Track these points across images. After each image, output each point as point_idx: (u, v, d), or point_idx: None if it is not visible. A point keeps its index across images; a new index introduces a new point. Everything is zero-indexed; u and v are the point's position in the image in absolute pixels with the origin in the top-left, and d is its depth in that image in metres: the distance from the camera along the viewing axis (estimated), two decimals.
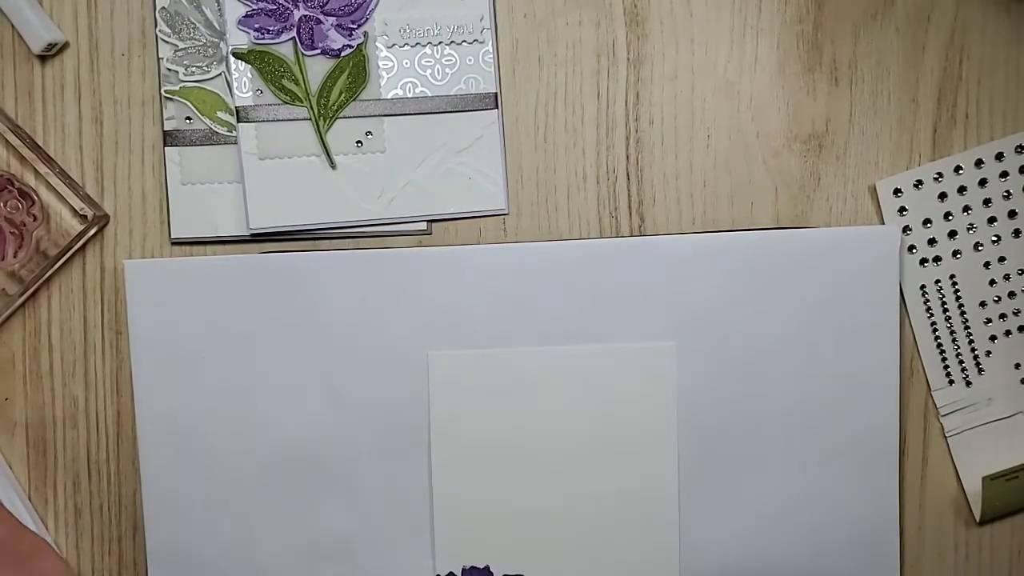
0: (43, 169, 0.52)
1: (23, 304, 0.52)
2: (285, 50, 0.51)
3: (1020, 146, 0.53)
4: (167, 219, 0.52)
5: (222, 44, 0.51)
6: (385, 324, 0.52)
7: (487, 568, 0.52)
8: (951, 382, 0.54)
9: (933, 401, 0.54)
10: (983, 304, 0.53)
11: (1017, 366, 0.54)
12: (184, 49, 0.51)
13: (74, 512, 0.53)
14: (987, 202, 0.53)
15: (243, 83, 0.51)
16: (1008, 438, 0.54)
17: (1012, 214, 0.53)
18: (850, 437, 0.52)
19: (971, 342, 0.53)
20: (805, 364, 0.52)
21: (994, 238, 0.53)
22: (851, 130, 0.53)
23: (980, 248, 0.53)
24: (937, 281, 0.53)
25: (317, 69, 0.51)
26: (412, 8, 0.52)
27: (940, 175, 0.53)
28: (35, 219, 0.52)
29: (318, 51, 0.51)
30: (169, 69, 0.52)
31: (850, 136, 0.53)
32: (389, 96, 0.52)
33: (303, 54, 0.51)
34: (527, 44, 0.52)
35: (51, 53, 0.52)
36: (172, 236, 0.52)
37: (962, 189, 0.53)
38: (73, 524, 0.53)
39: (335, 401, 0.52)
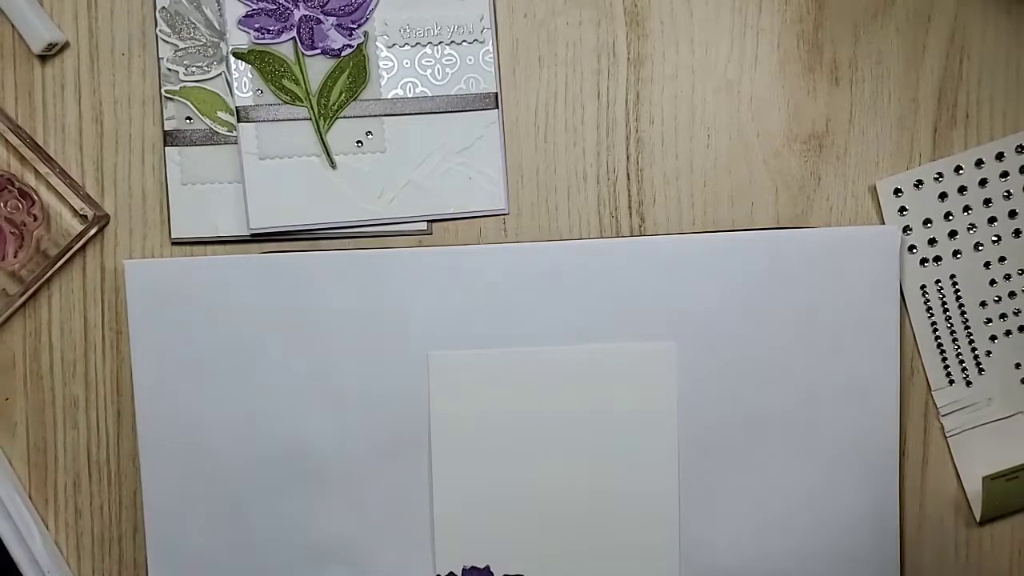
0: (43, 169, 0.52)
1: (23, 304, 0.52)
2: (285, 50, 0.51)
3: (1020, 146, 0.53)
4: (167, 219, 0.52)
5: (222, 44, 0.51)
6: (385, 324, 0.52)
7: (487, 568, 0.52)
8: (951, 382, 0.54)
9: (933, 401, 0.54)
10: (983, 304, 0.53)
11: (1017, 366, 0.54)
12: (184, 49, 0.52)
13: (74, 512, 0.53)
14: (987, 202, 0.53)
15: (243, 83, 0.51)
16: (1008, 438, 0.54)
17: (1012, 214, 0.53)
18: (850, 437, 0.52)
19: (971, 342, 0.53)
20: (805, 364, 0.52)
21: (994, 238, 0.53)
22: (851, 130, 0.53)
23: (980, 248, 0.53)
24: (937, 281, 0.53)
25: (317, 69, 0.51)
26: (412, 8, 0.52)
27: (940, 175, 0.53)
28: (35, 219, 0.52)
29: (318, 51, 0.51)
30: (169, 69, 0.52)
31: (850, 136, 0.53)
32: (389, 96, 0.52)
33: (303, 54, 0.51)
34: (527, 44, 0.52)
35: (51, 53, 0.52)
36: (172, 236, 0.52)
37: (962, 189, 0.53)
38: (73, 524, 0.53)
39: (335, 401, 0.52)
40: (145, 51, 0.52)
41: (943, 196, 0.53)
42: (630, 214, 0.53)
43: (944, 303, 0.53)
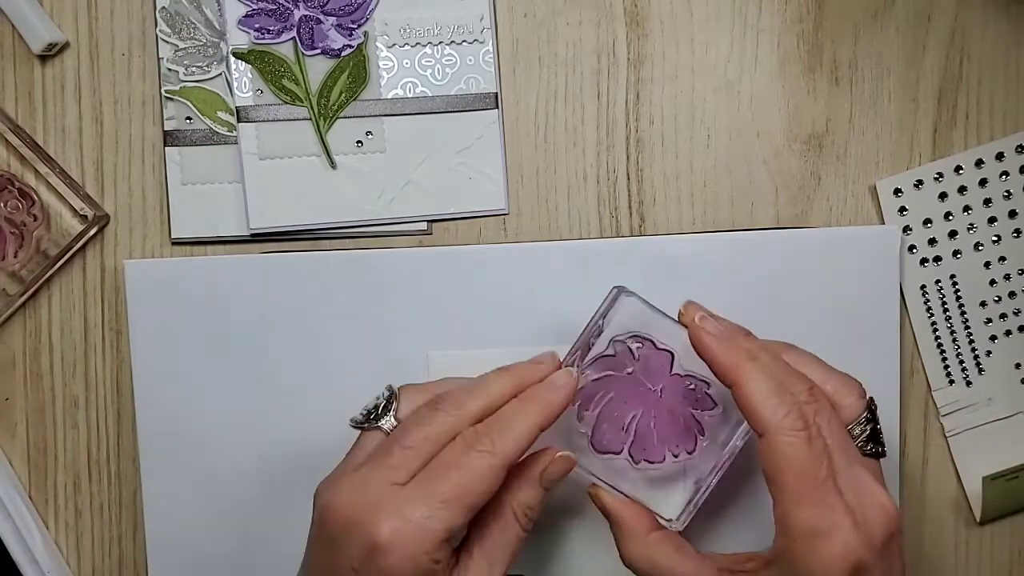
0: (43, 169, 0.52)
1: (23, 304, 0.52)
2: (285, 50, 0.51)
3: (1020, 146, 0.53)
4: (167, 219, 0.52)
5: (222, 44, 0.51)
6: (385, 324, 0.52)
7: None
8: (951, 382, 0.54)
9: (933, 401, 0.54)
10: (983, 304, 0.53)
11: (1017, 366, 0.54)
12: (184, 49, 0.52)
13: (74, 512, 0.53)
14: (987, 202, 0.53)
15: (243, 83, 0.51)
16: (1008, 438, 0.54)
17: (1012, 214, 0.53)
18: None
19: (971, 342, 0.53)
20: None
21: (994, 238, 0.53)
22: (851, 130, 0.53)
23: (980, 248, 0.53)
24: (937, 281, 0.53)
25: (317, 69, 0.51)
26: (412, 8, 0.52)
27: (940, 175, 0.53)
28: (35, 219, 0.52)
29: (318, 51, 0.51)
30: (169, 69, 0.52)
31: (850, 136, 0.53)
32: (389, 96, 0.52)
33: (303, 54, 0.51)
34: (527, 44, 0.52)
35: (51, 53, 0.52)
36: (172, 236, 0.52)
37: (962, 189, 0.53)
38: (73, 524, 0.53)
39: (335, 401, 0.52)
40: (145, 51, 0.52)
41: (943, 196, 0.53)
42: (630, 214, 0.53)
43: (944, 303, 0.53)
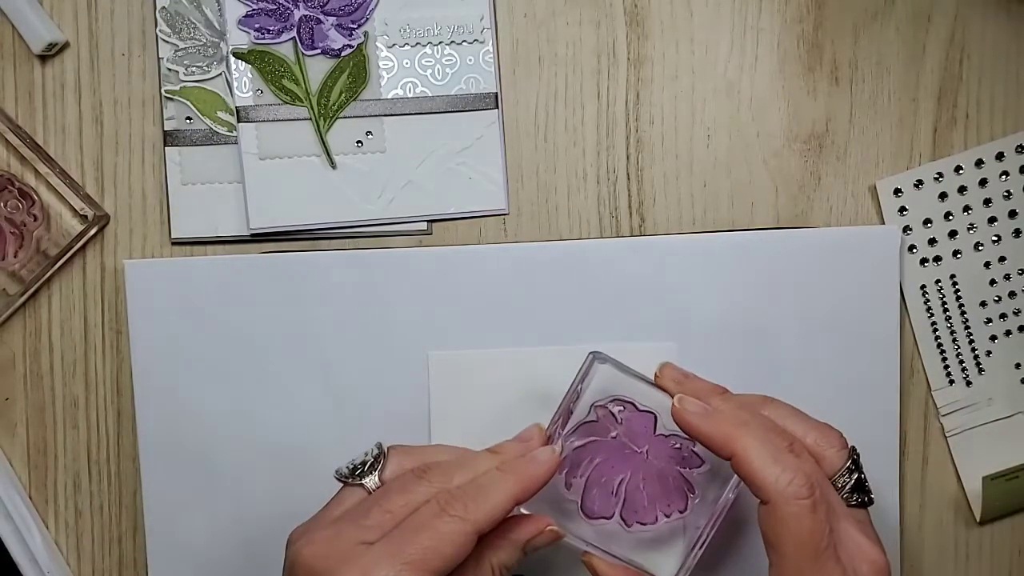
0: (43, 169, 0.52)
1: (23, 304, 0.52)
2: (285, 50, 0.51)
3: (1020, 146, 0.53)
4: (167, 219, 0.52)
5: (222, 44, 0.51)
6: (385, 324, 0.52)
7: None
8: (951, 382, 0.54)
9: (933, 401, 0.54)
10: (983, 304, 0.53)
11: (1017, 366, 0.54)
12: (184, 49, 0.52)
13: (74, 512, 0.53)
14: (987, 202, 0.53)
15: (243, 83, 0.51)
16: (1008, 438, 0.54)
17: (1012, 214, 0.53)
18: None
19: (971, 342, 0.53)
20: (805, 364, 0.52)
21: (994, 238, 0.53)
22: (851, 130, 0.53)
23: (980, 248, 0.53)
24: (937, 281, 0.53)
25: (317, 69, 0.51)
26: (412, 8, 0.52)
27: (940, 175, 0.53)
28: (35, 219, 0.52)
29: (318, 51, 0.51)
30: (169, 69, 0.52)
31: (850, 136, 0.53)
32: (389, 96, 0.52)
33: (303, 54, 0.51)
34: (527, 44, 0.52)
35: (51, 53, 0.52)
36: (172, 236, 0.52)
37: (962, 189, 0.53)
38: (73, 524, 0.53)
39: (335, 401, 0.52)
40: (145, 51, 0.52)
41: (943, 196, 0.53)
42: (630, 214, 0.53)
43: (944, 303, 0.53)
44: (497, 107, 0.52)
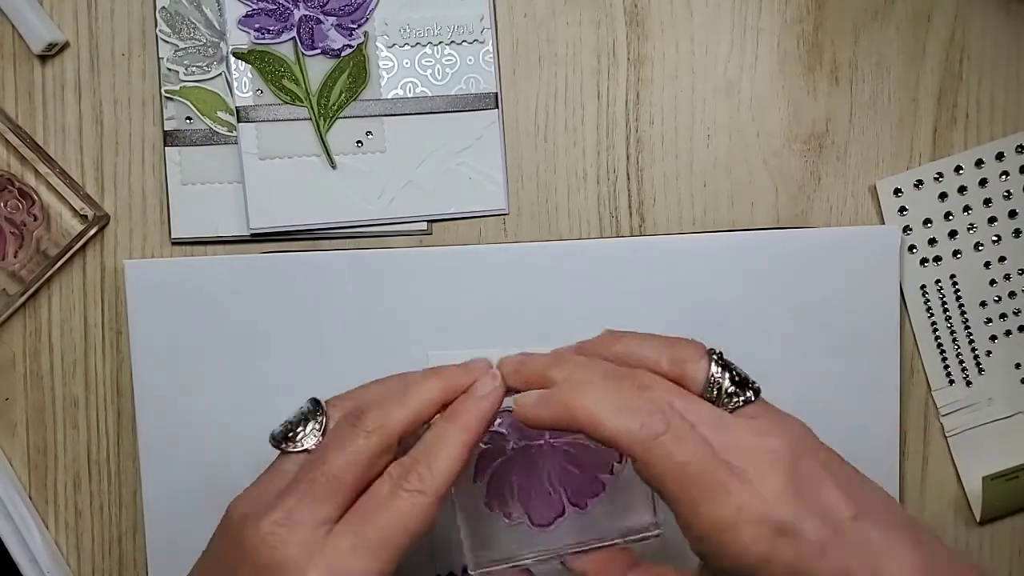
0: (43, 169, 0.52)
1: (23, 304, 0.52)
2: (285, 50, 0.51)
3: (1020, 146, 0.53)
4: (167, 219, 0.52)
5: (222, 44, 0.51)
6: (385, 324, 0.52)
7: None
8: (951, 382, 0.54)
9: (933, 401, 0.54)
10: (983, 304, 0.53)
11: (1017, 366, 0.54)
12: (184, 49, 0.52)
13: (74, 512, 0.53)
14: (987, 202, 0.53)
15: (243, 83, 0.51)
16: (1008, 438, 0.54)
17: (1012, 214, 0.53)
18: (850, 437, 0.52)
19: (971, 342, 0.53)
20: (805, 364, 0.52)
21: (994, 238, 0.53)
22: (851, 130, 0.53)
23: (980, 248, 0.53)
24: (937, 281, 0.53)
25: (317, 69, 0.51)
26: (412, 8, 0.52)
27: (940, 175, 0.53)
28: (35, 219, 0.52)
29: (318, 51, 0.51)
30: (169, 69, 0.52)
31: (850, 136, 0.53)
32: (389, 96, 0.52)
33: (303, 54, 0.51)
34: (527, 44, 0.52)
35: (51, 53, 0.52)
36: (172, 236, 0.52)
37: (962, 189, 0.53)
38: (73, 524, 0.53)
39: None
40: (145, 51, 0.52)
41: (943, 196, 0.53)
42: (630, 214, 0.53)
43: (944, 303, 0.53)
44: (497, 107, 0.52)
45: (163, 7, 0.51)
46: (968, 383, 0.54)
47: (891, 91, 0.53)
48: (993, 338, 0.54)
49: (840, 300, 0.52)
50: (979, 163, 0.53)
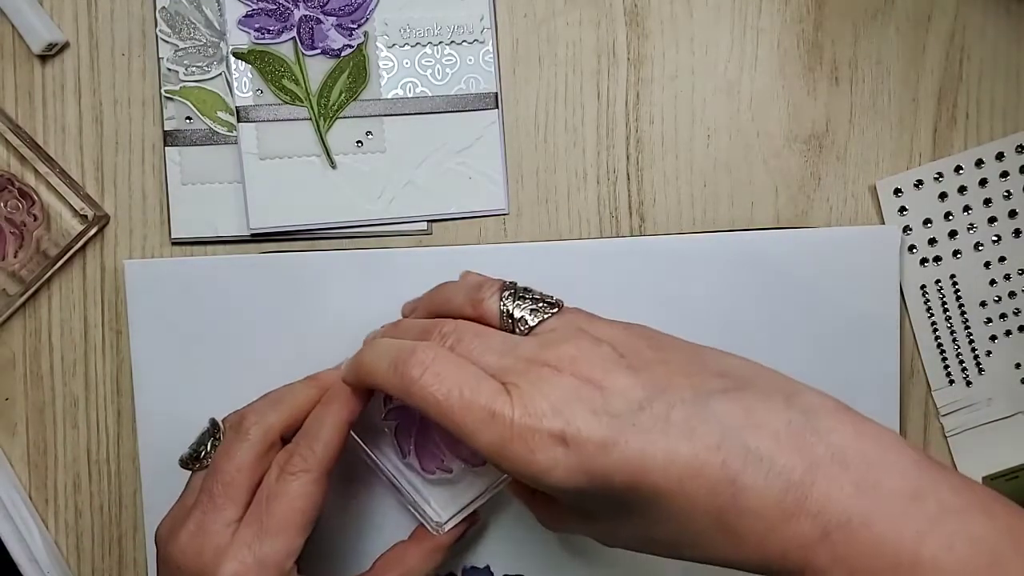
0: (43, 169, 0.52)
1: (23, 304, 0.52)
2: (285, 50, 0.51)
3: (1020, 146, 0.53)
4: (167, 219, 0.52)
5: (222, 44, 0.51)
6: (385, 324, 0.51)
7: (487, 568, 0.52)
8: (951, 382, 0.54)
9: (933, 401, 0.54)
10: (983, 304, 0.53)
11: (1017, 366, 0.54)
12: (184, 49, 0.52)
13: (74, 512, 0.53)
14: (987, 202, 0.53)
15: (243, 83, 0.51)
16: (1008, 438, 0.54)
17: (1012, 214, 0.53)
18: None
19: (971, 342, 0.53)
20: (805, 364, 0.52)
21: (994, 238, 0.53)
22: (851, 130, 0.53)
23: (980, 248, 0.53)
24: (937, 281, 0.53)
25: (317, 69, 0.51)
26: (412, 8, 0.52)
27: (940, 175, 0.53)
28: (35, 219, 0.52)
29: (318, 51, 0.51)
30: (169, 69, 0.52)
31: (850, 136, 0.53)
32: (389, 96, 0.52)
33: (303, 54, 0.51)
34: (527, 44, 0.52)
35: (51, 53, 0.52)
36: (172, 236, 0.52)
37: (962, 189, 0.53)
38: (73, 524, 0.53)
39: None
40: (145, 51, 0.52)
41: (943, 196, 0.53)
42: (630, 214, 0.53)
43: (944, 303, 0.53)
44: (497, 107, 0.52)
45: (163, 7, 0.51)
46: (968, 383, 0.54)
47: (891, 91, 0.53)
48: (993, 338, 0.54)
49: (840, 300, 0.52)
50: (979, 163, 0.53)
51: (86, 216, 0.52)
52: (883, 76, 0.53)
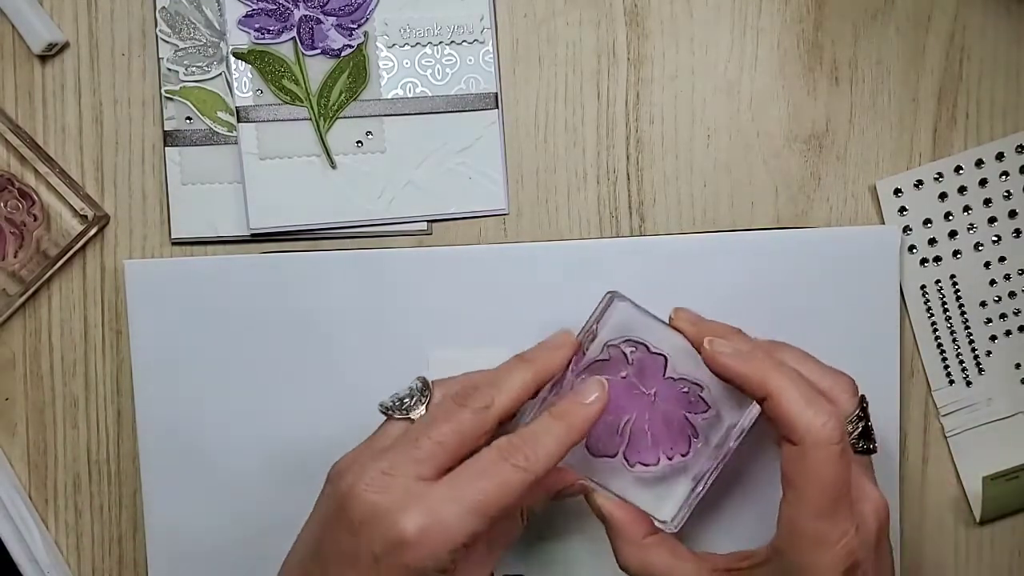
0: (43, 169, 0.52)
1: (23, 304, 0.52)
2: (285, 50, 0.51)
3: (1020, 146, 0.53)
4: (167, 219, 0.52)
5: (222, 44, 0.51)
6: (385, 324, 0.52)
7: None
8: (951, 382, 0.54)
9: (933, 401, 0.54)
10: (983, 304, 0.53)
11: (1017, 366, 0.54)
12: (184, 49, 0.52)
13: (74, 512, 0.53)
14: (987, 202, 0.53)
15: (243, 83, 0.51)
16: (1008, 438, 0.54)
17: (1012, 214, 0.53)
18: None
19: (971, 342, 0.53)
20: None
21: (994, 238, 0.53)
22: (851, 130, 0.53)
23: (980, 248, 0.53)
24: (937, 281, 0.53)
25: (317, 69, 0.51)
26: (412, 8, 0.52)
27: (940, 175, 0.53)
28: (35, 219, 0.52)
29: (318, 51, 0.51)
30: (169, 69, 0.52)
31: (850, 136, 0.53)
32: (389, 96, 0.52)
33: (303, 54, 0.51)
34: (527, 44, 0.52)
35: (51, 53, 0.52)
36: (172, 236, 0.52)
37: (962, 189, 0.53)
38: (73, 524, 0.53)
39: (335, 401, 0.52)
40: (145, 51, 0.52)
41: (943, 196, 0.53)
42: (630, 214, 0.53)
43: (944, 303, 0.53)
44: (497, 107, 0.52)
45: (163, 7, 0.51)
46: (968, 383, 0.54)
47: (891, 91, 0.53)
48: (993, 338, 0.54)
49: (840, 300, 0.52)
50: (979, 163, 0.53)
51: (86, 216, 0.52)
52: (883, 76, 0.53)
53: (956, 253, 0.53)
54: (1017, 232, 0.53)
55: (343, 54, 0.51)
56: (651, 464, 0.47)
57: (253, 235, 0.52)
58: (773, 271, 0.51)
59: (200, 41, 0.52)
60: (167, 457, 0.52)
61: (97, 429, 0.53)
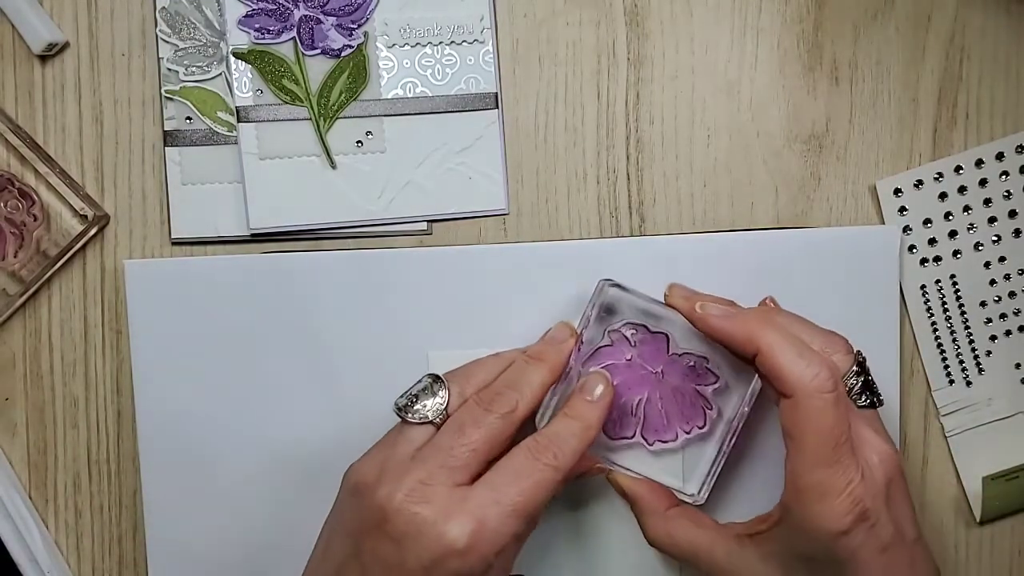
0: (43, 169, 0.52)
1: (23, 304, 0.52)
2: (285, 50, 0.51)
3: (1020, 146, 0.53)
4: (167, 219, 0.52)
5: (222, 44, 0.51)
6: (385, 324, 0.52)
7: None
8: (951, 382, 0.54)
9: (933, 401, 0.54)
10: (983, 304, 0.53)
11: (1017, 366, 0.54)
12: (184, 49, 0.52)
13: (74, 512, 0.53)
14: (987, 202, 0.53)
15: (243, 83, 0.51)
16: (1008, 438, 0.54)
17: (1012, 214, 0.53)
18: None
19: (971, 342, 0.53)
20: None
21: (994, 238, 0.53)
22: (851, 130, 0.53)
23: (980, 248, 0.53)
24: (937, 281, 0.53)
25: (317, 69, 0.51)
26: (412, 8, 0.52)
27: (940, 175, 0.53)
28: (35, 219, 0.52)
29: (318, 51, 0.51)
30: (169, 69, 0.52)
31: (850, 136, 0.53)
32: (389, 96, 0.52)
33: (303, 54, 0.51)
34: (527, 44, 0.52)
35: (51, 53, 0.52)
36: (172, 236, 0.52)
37: (962, 189, 0.53)
38: (73, 524, 0.53)
39: (335, 401, 0.52)
40: (145, 51, 0.52)
41: (943, 196, 0.53)
42: (630, 214, 0.53)
43: (944, 303, 0.53)
44: (497, 107, 0.52)
45: (163, 7, 0.51)
46: (968, 383, 0.54)
47: (891, 91, 0.53)
48: (993, 338, 0.54)
49: (840, 300, 0.52)
50: (979, 163, 0.53)
51: (86, 216, 0.52)
52: (883, 76, 0.53)
53: (956, 253, 0.53)
54: (1017, 232, 0.53)
55: (343, 54, 0.51)
56: (670, 440, 0.48)
57: (253, 235, 0.52)
58: (773, 271, 0.51)
59: (200, 41, 0.52)
60: (167, 457, 0.52)
61: (97, 429, 0.53)
